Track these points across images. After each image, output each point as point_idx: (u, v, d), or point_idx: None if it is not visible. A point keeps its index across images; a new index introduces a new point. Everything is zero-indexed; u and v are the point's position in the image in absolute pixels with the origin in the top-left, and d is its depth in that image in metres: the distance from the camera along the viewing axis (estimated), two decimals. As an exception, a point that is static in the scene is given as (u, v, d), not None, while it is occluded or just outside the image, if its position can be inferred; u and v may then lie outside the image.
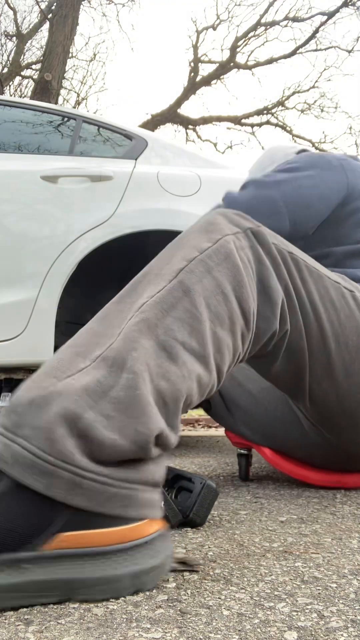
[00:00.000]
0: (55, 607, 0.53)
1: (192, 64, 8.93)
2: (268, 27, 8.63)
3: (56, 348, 1.84)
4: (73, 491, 0.52)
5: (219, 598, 0.54)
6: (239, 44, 8.71)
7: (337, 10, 7.97)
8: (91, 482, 0.53)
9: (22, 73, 9.14)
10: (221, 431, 3.20)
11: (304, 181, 1.05)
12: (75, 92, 9.56)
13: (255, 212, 1.00)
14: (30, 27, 9.11)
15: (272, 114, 9.18)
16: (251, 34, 8.70)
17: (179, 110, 8.82)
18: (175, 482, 0.91)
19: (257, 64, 8.91)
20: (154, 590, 0.57)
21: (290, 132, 9.14)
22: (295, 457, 1.17)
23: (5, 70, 8.73)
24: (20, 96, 8.78)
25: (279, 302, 0.78)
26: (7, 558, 0.50)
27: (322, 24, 8.30)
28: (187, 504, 0.84)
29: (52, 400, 0.54)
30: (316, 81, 8.94)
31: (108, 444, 0.53)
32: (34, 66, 9.04)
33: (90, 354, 0.59)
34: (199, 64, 8.94)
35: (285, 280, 0.81)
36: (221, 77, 8.92)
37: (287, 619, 0.49)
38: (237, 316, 0.69)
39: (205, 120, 9.10)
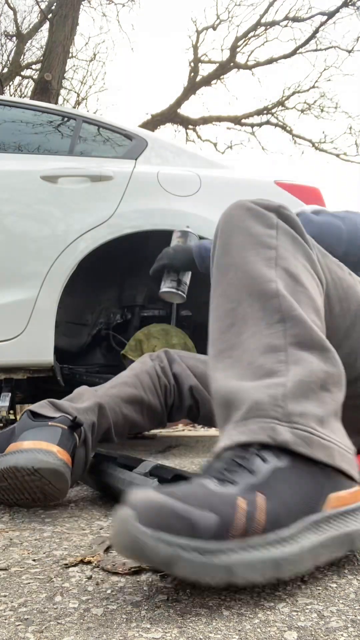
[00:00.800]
0: (55, 607, 0.53)
1: (192, 64, 8.92)
2: (268, 27, 8.62)
3: (56, 348, 1.84)
4: (342, 459, 0.64)
5: (219, 598, 0.54)
6: (239, 44, 8.70)
7: (337, 10, 7.96)
8: (345, 452, 0.66)
9: (22, 73, 9.14)
10: (221, 431, 3.19)
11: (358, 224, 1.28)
12: (75, 92, 9.55)
13: (323, 234, 1.19)
14: (30, 27, 9.11)
15: (272, 114, 9.16)
16: (251, 34, 8.68)
17: (179, 110, 8.81)
18: (175, 482, 0.91)
19: (257, 64, 8.89)
20: (154, 590, 0.57)
21: (290, 132, 9.13)
22: None
23: (5, 70, 8.73)
24: (20, 96, 8.78)
25: None
26: (311, 521, 0.58)
27: (322, 24, 8.29)
28: (187, 504, 0.84)
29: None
30: (316, 81, 8.92)
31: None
32: (34, 66, 9.04)
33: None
34: (199, 64, 8.93)
35: None
36: (221, 77, 8.91)
37: (287, 619, 0.50)
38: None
39: (205, 120, 9.09)
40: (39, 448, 0.91)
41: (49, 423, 0.97)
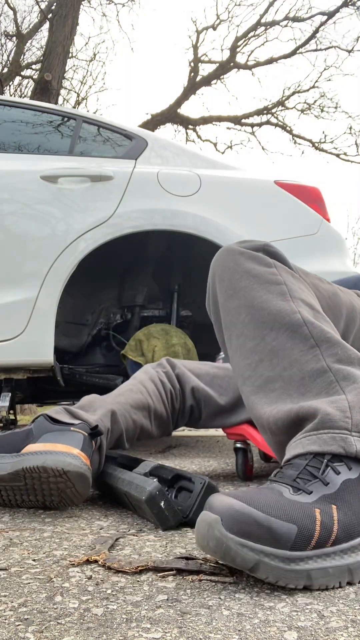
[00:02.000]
0: (55, 607, 0.53)
1: (192, 64, 8.92)
2: (268, 27, 8.62)
3: (56, 348, 1.84)
4: None
5: (219, 598, 0.55)
6: (239, 44, 8.70)
7: (337, 10, 7.97)
8: None
9: (22, 73, 9.13)
10: (221, 431, 3.19)
11: None
12: (75, 92, 9.54)
13: None
14: (30, 27, 9.10)
15: (272, 114, 9.16)
16: (251, 34, 8.68)
17: (179, 110, 8.81)
18: (176, 482, 0.91)
19: (257, 64, 8.90)
20: (154, 590, 0.57)
21: (290, 132, 9.13)
22: None
23: (5, 70, 8.72)
24: (20, 96, 8.78)
25: None
26: None
27: (322, 24, 8.29)
28: (187, 504, 0.84)
29: None
30: (316, 81, 8.92)
31: None
32: (34, 66, 9.04)
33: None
34: (199, 64, 8.93)
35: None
36: (221, 77, 8.91)
37: (287, 619, 0.50)
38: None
39: (205, 120, 9.09)
40: (66, 451, 0.90)
41: (71, 428, 0.96)
